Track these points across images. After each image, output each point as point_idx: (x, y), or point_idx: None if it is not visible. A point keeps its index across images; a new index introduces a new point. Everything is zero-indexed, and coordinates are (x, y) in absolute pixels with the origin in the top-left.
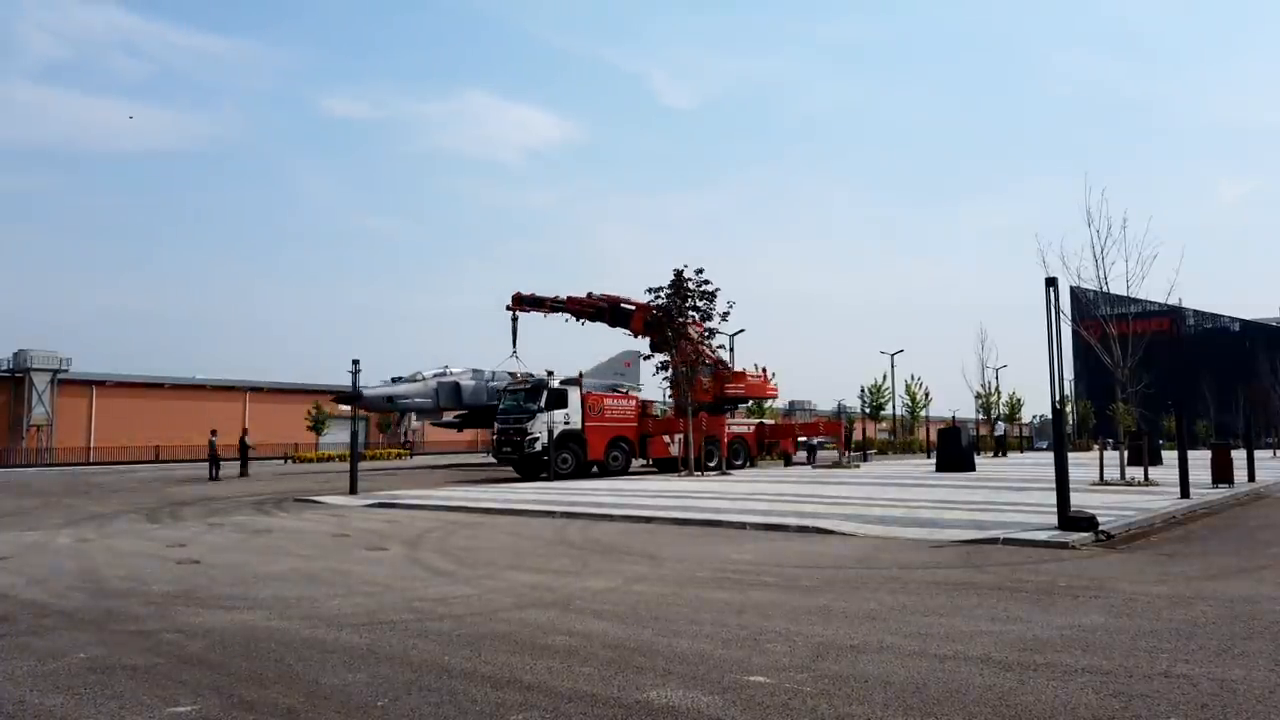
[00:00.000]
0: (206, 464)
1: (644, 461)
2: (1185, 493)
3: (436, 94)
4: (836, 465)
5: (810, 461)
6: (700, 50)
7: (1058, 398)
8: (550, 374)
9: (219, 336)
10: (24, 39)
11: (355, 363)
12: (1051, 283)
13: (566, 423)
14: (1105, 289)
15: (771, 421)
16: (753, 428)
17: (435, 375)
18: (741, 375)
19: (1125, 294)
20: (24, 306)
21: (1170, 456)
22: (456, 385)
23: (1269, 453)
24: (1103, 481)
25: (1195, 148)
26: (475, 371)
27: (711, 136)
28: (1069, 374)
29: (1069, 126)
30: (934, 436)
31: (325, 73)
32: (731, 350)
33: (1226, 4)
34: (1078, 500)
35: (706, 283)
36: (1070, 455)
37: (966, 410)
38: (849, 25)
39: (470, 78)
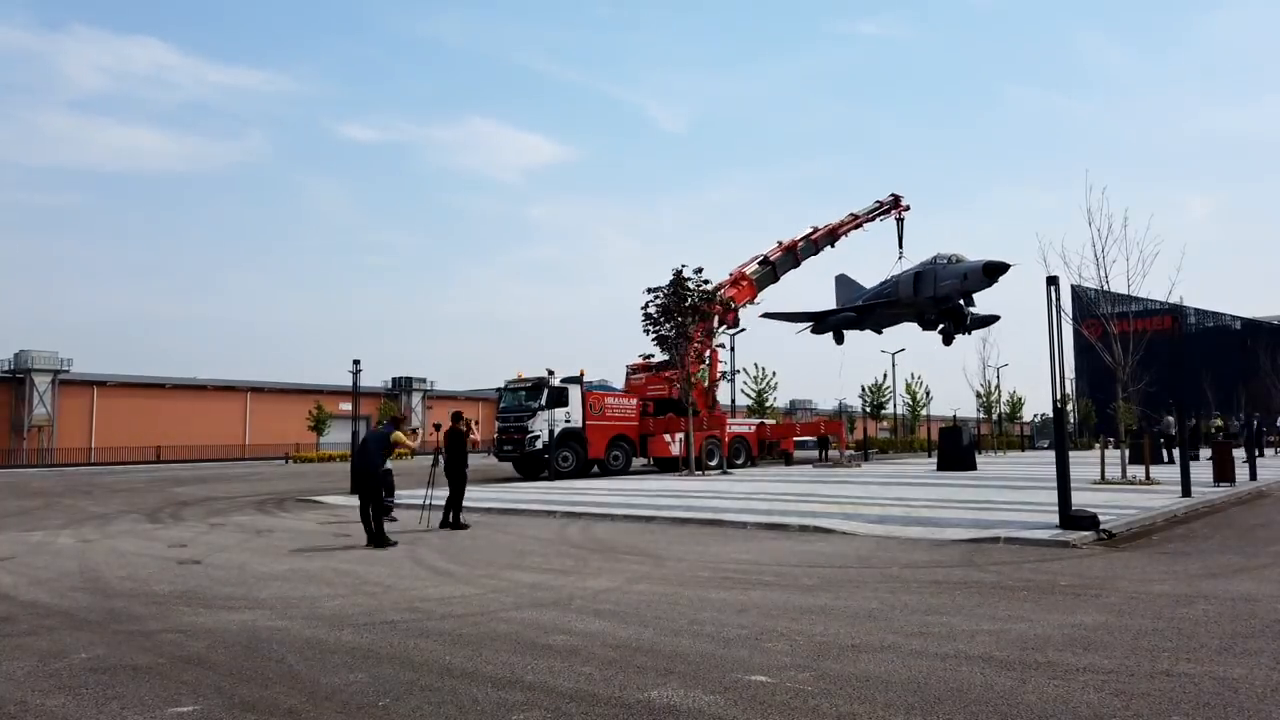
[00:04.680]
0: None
1: (645, 460)
2: (1186, 491)
3: (443, 121)
4: (837, 465)
5: (822, 459)
6: (690, 76)
7: (1059, 396)
8: (550, 372)
9: (220, 337)
10: (69, 72)
11: (356, 363)
12: (1052, 281)
13: (567, 421)
14: (1106, 287)
15: (773, 421)
16: (754, 427)
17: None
18: (658, 376)
19: (1126, 292)
20: (25, 307)
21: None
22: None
23: (1270, 451)
24: (1104, 480)
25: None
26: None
27: (704, 153)
28: (1070, 372)
29: (1045, 142)
30: (935, 435)
31: (341, 102)
32: (732, 350)
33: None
34: (1079, 499)
35: (706, 282)
36: (1070, 454)
37: (968, 409)
38: (823, 55)
39: (475, 106)
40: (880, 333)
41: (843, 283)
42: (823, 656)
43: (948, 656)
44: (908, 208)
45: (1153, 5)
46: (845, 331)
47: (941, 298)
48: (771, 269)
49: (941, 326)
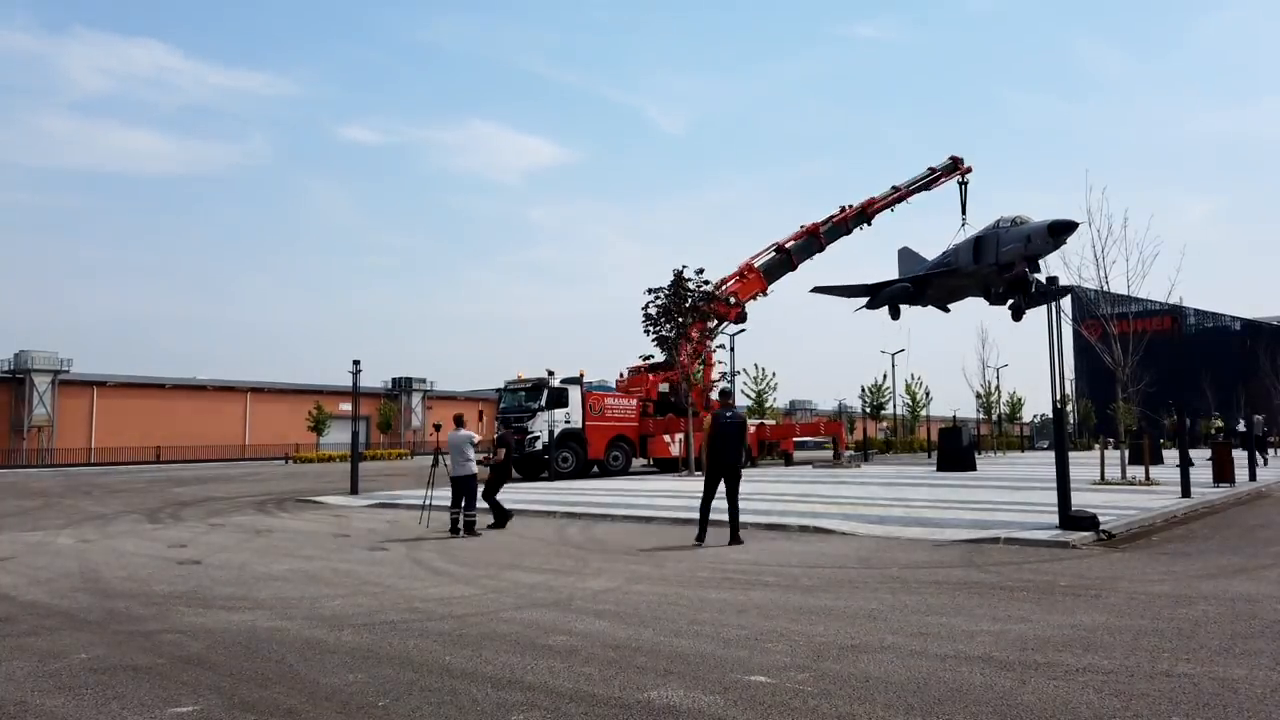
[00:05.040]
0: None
1: (645, 461)
2: (1186, 492)
3: (444, 124)
4: (837, 465)
5: (835, 458)
6: (689, 78)
7: (1058, 397)
8: (550, 373)
9: (220, 337)
10: (70, 74)
11: (356, 363)
12: (1052, 282)
13: (567, 421)
14: (1106, 288)
15: (772, 421)
16: (754, 428)
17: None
18: (641, 377)
19: (1126, 293)
20: (25, 307)
21: (1171, 456)
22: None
23: (1270, 452)
24: (1104, 481)
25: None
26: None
27: (703, 155)
28: (1070, 373)
29: (1043, 144)
30: (934, 436)
31: (342, 105)
32: (732, 350)
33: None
34: (1078, 500)
35: (706, 283)
36: (1070, 454)
37: (967, 409)
38: (821, 58)
39: (475, 109)
40: (947, 309)
41: (905, 256)
42: (822, 657)
43: (948, 657)
44: (969, 169)
45: (1151, 7)
46: (902, 306)
47: (1005, 264)
48: (786, 257)
49: (1011, 301)
